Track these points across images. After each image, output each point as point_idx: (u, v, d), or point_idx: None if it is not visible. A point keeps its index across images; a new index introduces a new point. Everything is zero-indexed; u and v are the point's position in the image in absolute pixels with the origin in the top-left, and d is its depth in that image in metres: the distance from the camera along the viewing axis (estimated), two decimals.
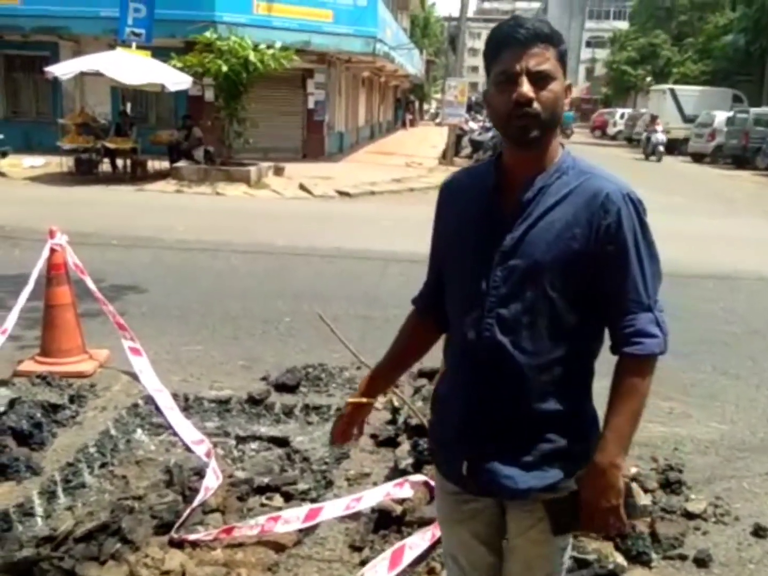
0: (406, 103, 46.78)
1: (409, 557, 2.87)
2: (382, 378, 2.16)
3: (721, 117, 28.00)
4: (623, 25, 61.94)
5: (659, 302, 1.75)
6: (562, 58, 1.72)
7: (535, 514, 1.81)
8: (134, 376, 4.89)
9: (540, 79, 1.67)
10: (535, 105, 1.67)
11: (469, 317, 1.80)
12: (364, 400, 2.11)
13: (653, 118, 30.67)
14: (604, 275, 1.71)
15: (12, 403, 4.12)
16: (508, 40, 1.68)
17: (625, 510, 1.74)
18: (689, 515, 3.49)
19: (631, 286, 1.71)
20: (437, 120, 45.72)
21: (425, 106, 66.32)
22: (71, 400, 4.43)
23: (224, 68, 14.93)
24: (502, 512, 1.90)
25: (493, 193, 1.79)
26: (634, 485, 3.49)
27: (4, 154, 16.03)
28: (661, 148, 28.14)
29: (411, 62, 33.11)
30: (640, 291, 1.71)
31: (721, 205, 16.15)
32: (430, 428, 2.08)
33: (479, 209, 1.81)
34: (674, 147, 32.29)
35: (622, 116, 45.02)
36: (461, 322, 1.83)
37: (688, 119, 32.02)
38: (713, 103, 31.56)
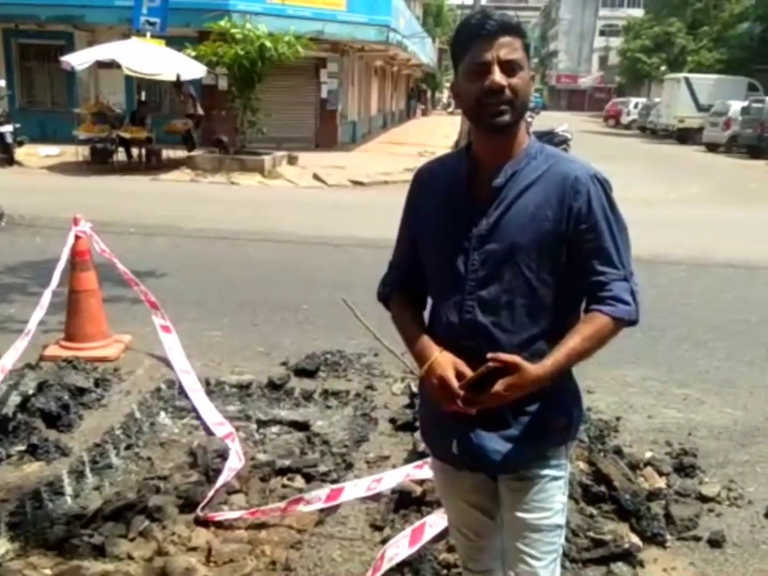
0: (419, 92, 46.60)
1: (429, 534, 2.93)
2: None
3: (736, 106, 27.75)
4: (638, 12, 61.30)
5: (635, 275, 1.83)
6: (527, 50, 1.79)
7: (525, 486, 1.89)
8: (157, 361, 5.00)
9: (510, 69, 1.74)
10: (507, 92, 1.74)
11: (450, 300, 1.87)
12: (437, 353, 1.84)
13: None
14: (579, 253, 1.79)
15: (40, 386, 4.22)
16: (478, 32, 1.74)
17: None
18: (703, 498, 3.55)
19: (606, 260, 1.80)
20: (450, 109, 45.58)
21: (437, 95, 66.08)
22: (96, 383, 4.53)
23: (240, 52, 14.94)
24: (496, 483, 1.97)
25: (466, 180, 1.86)
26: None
27: (20, 144, 16.16)
28: None
29: (424, 51, 33.03)
30: (616, 263, 1.80)
31: (736, 195, 16.08)
32: (420, 410, 2.13)
33: (453, 196, 1.88)
34: (688, 136, 32.13)
35: (635, 105, 44.81)
36: (443, 305, 1.90)
37: (702, 108, 31.79)
38: (728, 92, 31.23)
